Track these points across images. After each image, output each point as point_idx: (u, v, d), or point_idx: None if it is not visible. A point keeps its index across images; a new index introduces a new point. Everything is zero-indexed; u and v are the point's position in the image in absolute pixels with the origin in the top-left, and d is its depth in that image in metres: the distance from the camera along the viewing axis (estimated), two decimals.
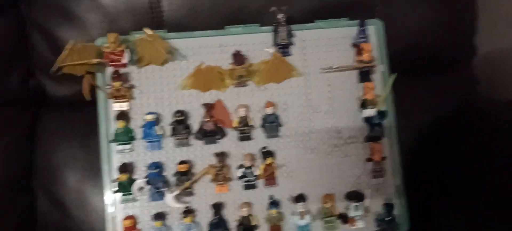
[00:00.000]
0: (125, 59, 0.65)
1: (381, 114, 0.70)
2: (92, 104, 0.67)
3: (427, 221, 0.70)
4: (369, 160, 0.70)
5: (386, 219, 0.67)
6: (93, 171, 0.73)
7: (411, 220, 0.71)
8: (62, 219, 0.74)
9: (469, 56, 0.84)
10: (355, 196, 0.69)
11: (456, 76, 0.84)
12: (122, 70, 0.67)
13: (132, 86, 0.68)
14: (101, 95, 0.67)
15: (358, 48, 0.70)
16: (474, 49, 0.85)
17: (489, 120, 0.73)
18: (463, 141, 0.73)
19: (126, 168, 0.65)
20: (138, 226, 0.66)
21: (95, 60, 0.64)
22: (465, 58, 0.84)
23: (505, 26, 0.87)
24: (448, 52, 0.83)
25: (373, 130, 0.70)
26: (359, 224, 0.69)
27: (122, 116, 0.66)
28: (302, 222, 0.68)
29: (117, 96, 0.67)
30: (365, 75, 0.71)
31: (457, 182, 0.69)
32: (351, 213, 0.68)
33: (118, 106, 0.67)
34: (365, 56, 0.69)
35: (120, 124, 0.66)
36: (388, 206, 0.67)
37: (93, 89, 0.66)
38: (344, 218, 0.69)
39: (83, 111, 0.75)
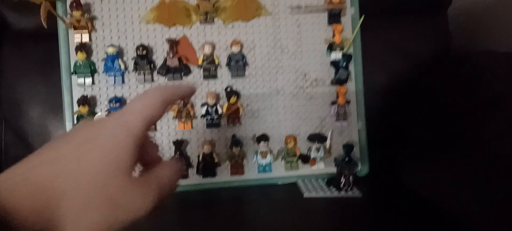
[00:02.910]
0: None
1: (347, 57, 0.70)
2: (54, 37, 0.67)
3: (389, 169, 0.69)
4: (333, 103, 0.71)
5: (345, 160, 0.67)
6: (56, 105, 0.72)
7: (372, 166, 0.72)
8: (26, 153, 0.74)
9: (445, 3, 0.82)
10: (317, 138, 0.70)
11: (431, 23, 0.82)
12: None
13: (93, 18, 0.67)
14: (61, 25, 0.66)
15: None
16: None
17: (463, 69, 0.69)
18: (435, 89, 0.71)
19: (86, 101, 0.66)
20: None
21: None
22: (440, 4, 0.83)
23: None
24: None
25: (339, 73, 0.70)
26: (319, 164, 0.71)
27: (83, 47, 0.66)
28: (264, 161, 0.70)
29: (78, 27, 0.66)
30: (334, 17, 0.71)
31: (424, 131, 0.67)
32: (312, 154, 0.70)
33: (79, 37, 0.66)
34: None
35: (81, 56, 0.66)
36: (347, 147, 0.68)
37: (55, 19, 0.65)
38: (305, 159, 0.70)
39: (45, 44, 0.74)
